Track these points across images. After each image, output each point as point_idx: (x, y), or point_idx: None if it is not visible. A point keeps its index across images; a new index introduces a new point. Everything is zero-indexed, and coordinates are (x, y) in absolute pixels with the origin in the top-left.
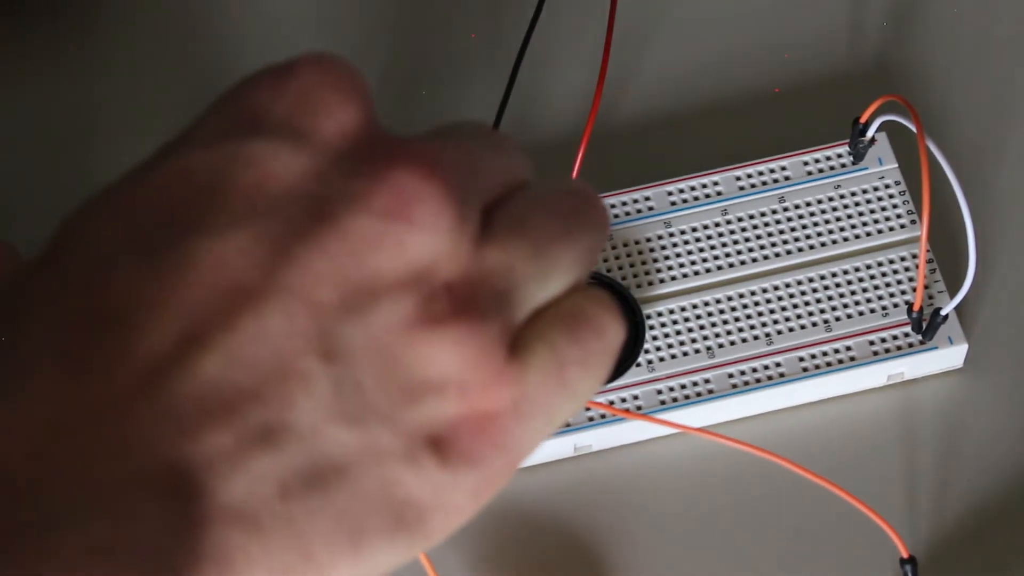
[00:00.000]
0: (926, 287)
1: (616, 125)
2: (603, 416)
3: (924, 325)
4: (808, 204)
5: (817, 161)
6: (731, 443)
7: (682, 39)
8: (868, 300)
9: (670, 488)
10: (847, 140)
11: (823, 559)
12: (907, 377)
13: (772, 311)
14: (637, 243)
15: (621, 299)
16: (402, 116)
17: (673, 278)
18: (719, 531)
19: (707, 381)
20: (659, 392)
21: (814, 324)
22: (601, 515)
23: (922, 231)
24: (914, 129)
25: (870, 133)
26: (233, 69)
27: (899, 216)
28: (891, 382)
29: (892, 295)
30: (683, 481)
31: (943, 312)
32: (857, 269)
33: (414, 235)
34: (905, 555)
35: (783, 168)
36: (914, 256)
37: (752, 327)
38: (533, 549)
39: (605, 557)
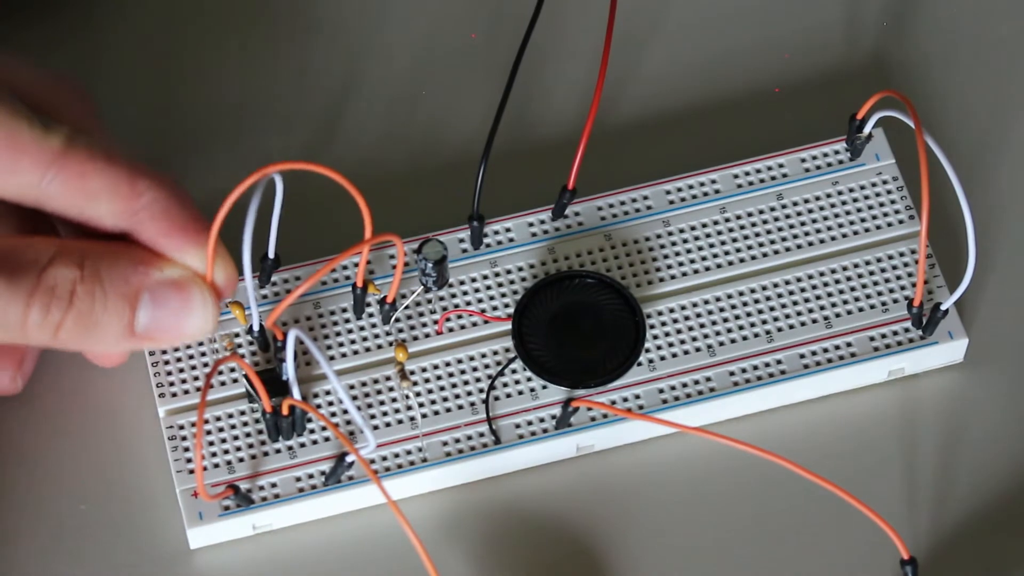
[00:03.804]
0: (925, 282)
1: (614, 125)
2: (605, 416)
3: (924, 320)
4: (806, 201)
5: (814, 158)
6: (732, 443)
7: (679, 39)
8: (868, 296)
9: (671, 487)
10: (844, 136)
11: (824, 560)
12: (908, 372)
13: (772, 308)
14: (636, 242)
15: (621, 299)
16: (402, 116)
17: (673, 277)
18: (720, 531)
19: (708, 379)
20: (661, 391)
21: (814, 321)
22: (603, 514)
23: (922, 226)
24: (911, 124)
25: (867, 129)
26: (231, 67)
27: (897, 212)
28: (892, 377)
29: (892, 291)
30: (684, 481)
31: (943, 307)
32: (856, 265)
33: None
34: (906, 556)
35: (780, 165)
36: (913, 251)
37: (752, 324)
38: (535, 548)
39: (607, 556)
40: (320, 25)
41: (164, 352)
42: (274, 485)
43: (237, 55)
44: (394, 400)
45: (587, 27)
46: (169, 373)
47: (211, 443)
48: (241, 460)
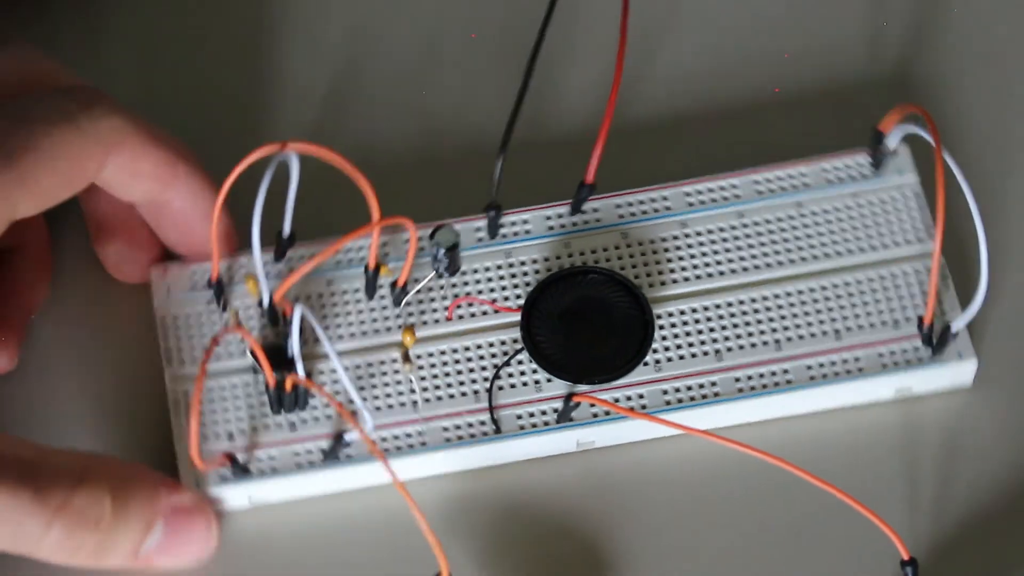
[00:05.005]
0: (940, 302)
1: (638, 122)
2: (607, 413)
3: (934, 340)
4: (825, 211)
5: (837, 169)
6: (733, 445)
7: (707, 39)
8: (880, 311)
9: (671, 487)
10: (869, 149)
11: (823, 561)
12: (915, 392)
13: (783, 317)
14: (652, 242)
15: (632, 297)
16: (426, 102)
17: (686, 279)
18: (720, 531)
19: (713, 384)
20: (664, 392)
21: (824, 333)
22: (601, 509)
23: (935, 245)
24: (932, 141)
25: (891, 143)
26: (230, 64)
27: (916, 228)
28: (899, 395)
29: (904, 307)
30: (685, 481)
31: (953, 328)
32: (871, 279)
33: None
34: (906, 557)
35: (802, 174)
36: (929, 269)
37: (762, 332)
38: (528, 538)
39: (603, 551)
40: (321, 23)
41: (176, 319)
42: (272, 458)
43: (246, 43)
44: (399, 383)
45: (597, 24)
46: (179, 339)
47: (214, 412)
48: (242, 431)
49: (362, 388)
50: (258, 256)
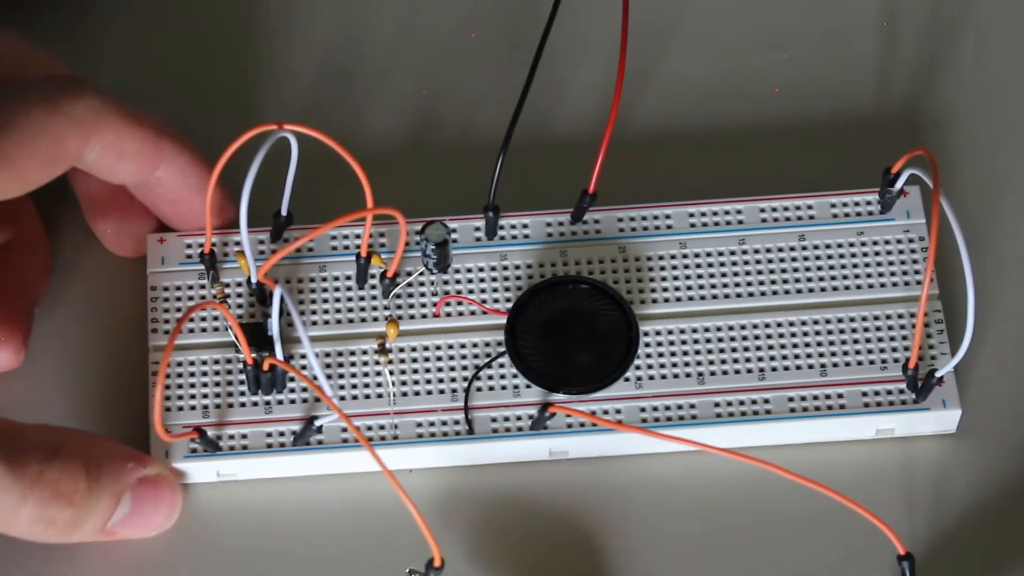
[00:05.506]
0: (931, 347)
1: (644, 135)
2: (582, 424)
3: (919, 384)
4: (827, 246)
5: (845, 205)
6: (723, 453)
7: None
8: (869, 351)
9: (663, 490)
10: (879, 188)
11: (821, 559)
12: (897, 434)
13: (771, 347)
14: (649, 259)
15: (620, 311)
16: (405, 115)
17: (678, 299)
18: (714, 532)
19: (692, 406)
20: (642, 410)
21: (810, 367)
22: (579, 516)
23: (923, 290)
24: (932, 185)
25: (899, 184)
26: (231, 60)
27: (917, 272)
28: (880, 436)
29: (894, 349)
30: (673, 485)
31: (938, 374)
32: (864, 318)
33: None
34: (902, 552)
35: (809, 207)
36: (926, 314)
37: (748, 360)
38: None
39: (581, 557)
40: (324, 23)
41: (165, 289)
42: (244, 436)
43: (237, 46)
44: (378, 374)
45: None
46: (167, 311)
47: (192, 385)
48: (218, 407)
49: (341, 376)
50: (245, 232)
